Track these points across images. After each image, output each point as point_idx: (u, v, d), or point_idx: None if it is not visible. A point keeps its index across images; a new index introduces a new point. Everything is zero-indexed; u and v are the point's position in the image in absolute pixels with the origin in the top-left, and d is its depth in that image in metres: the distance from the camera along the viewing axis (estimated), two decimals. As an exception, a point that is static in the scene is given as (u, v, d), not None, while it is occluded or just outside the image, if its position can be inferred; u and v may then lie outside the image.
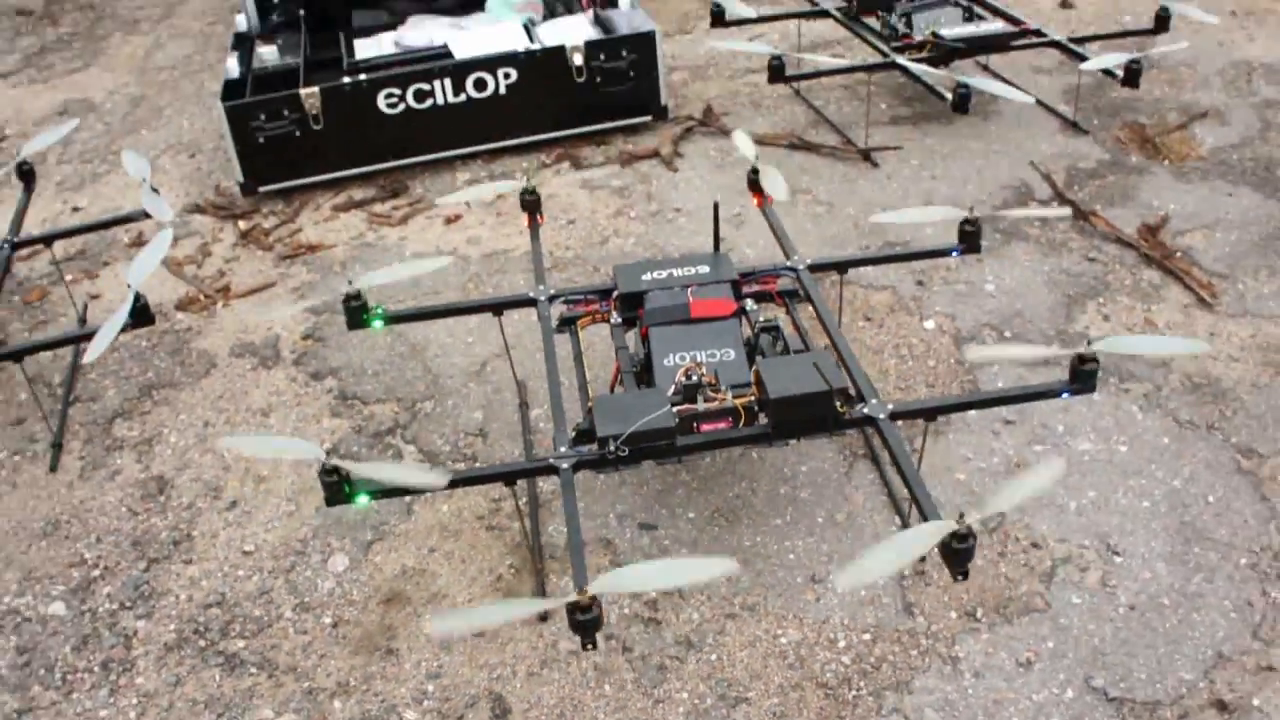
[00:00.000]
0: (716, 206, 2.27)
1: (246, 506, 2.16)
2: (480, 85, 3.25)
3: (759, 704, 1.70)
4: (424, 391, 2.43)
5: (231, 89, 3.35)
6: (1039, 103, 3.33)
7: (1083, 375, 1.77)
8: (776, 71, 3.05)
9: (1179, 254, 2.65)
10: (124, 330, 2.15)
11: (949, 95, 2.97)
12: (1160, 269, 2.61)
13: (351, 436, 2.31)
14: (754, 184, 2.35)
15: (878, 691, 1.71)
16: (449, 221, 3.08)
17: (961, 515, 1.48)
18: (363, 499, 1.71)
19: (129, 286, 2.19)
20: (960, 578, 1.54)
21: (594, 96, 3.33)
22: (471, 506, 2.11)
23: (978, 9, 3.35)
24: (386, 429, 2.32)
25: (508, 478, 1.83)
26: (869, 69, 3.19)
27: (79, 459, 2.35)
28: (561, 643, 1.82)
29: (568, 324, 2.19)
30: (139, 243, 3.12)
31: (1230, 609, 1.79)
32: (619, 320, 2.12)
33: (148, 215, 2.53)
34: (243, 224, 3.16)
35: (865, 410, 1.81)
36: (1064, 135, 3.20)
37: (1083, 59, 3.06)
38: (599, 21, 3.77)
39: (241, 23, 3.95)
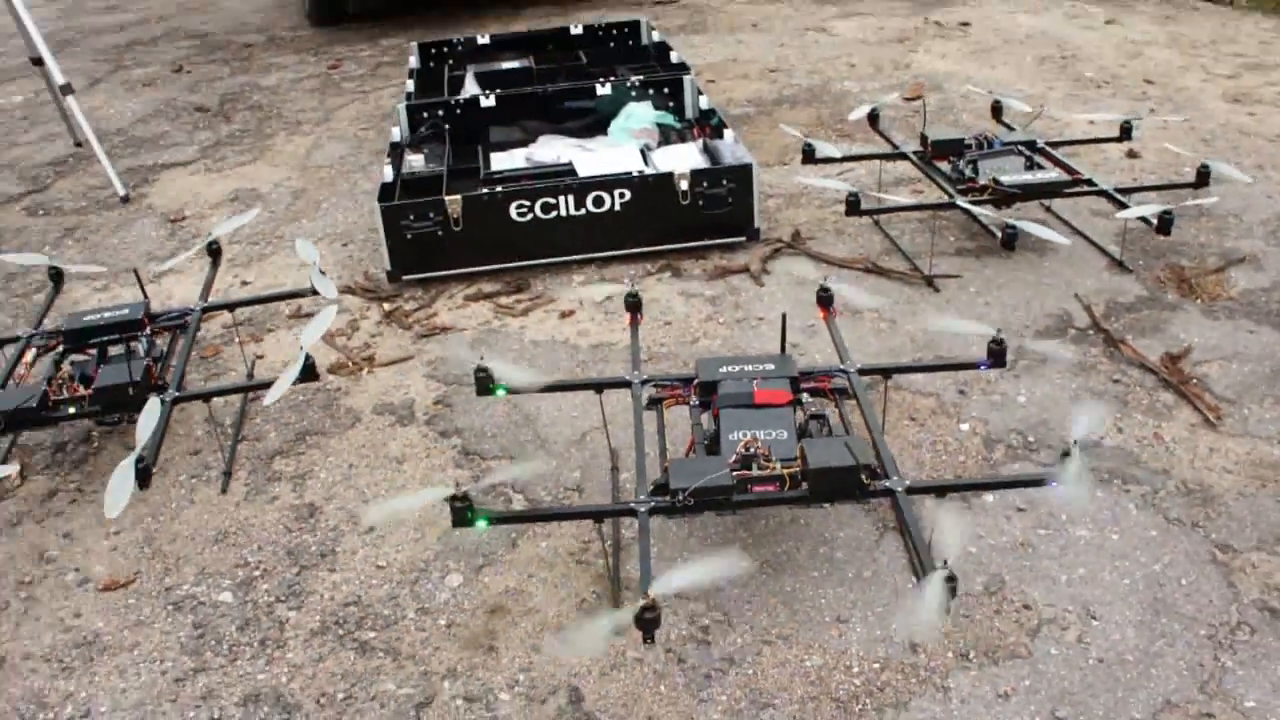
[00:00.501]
0: (784, 317, 2.73)
1: (381, 532, 2.64)
2: (599, 202, 3.76)
3: (783, 709, 2.10)
4: (533, 453, 2.89)
5: (385, 191, 3.91)
6: (1090, 242, 3.74)
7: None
8: (852, 206, 3.53)
9: (1194, 380, 3.03)
10: (294, 383, 2.67)
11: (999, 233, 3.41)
12: (1175, 392, 2.98)
13: (470, 484, 2.77)
14: (821, 299, 2.81)
15: (880, 708, 2.10)
16: (564, 316, 3.57)
17: (945, 562, 1.90)
18: (481, 523, 2.18)
19: (301, 348, 2.70)
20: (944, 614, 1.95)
21: (696, 217, 3.82)
22: (565, 545, 2.55)
23: (1038, 159, 3.79)
24: (497, 481, 2.79)
25: (596, 515, 2.30)
26: (932, 208, 3.65)
27: (244, 485, 2.85)
28: (629, 651, 2.24)
29: (655, 404, 2.65)
30: (297, 315, 3.67)
31: (1184, 668, 2.15)
32: (697, 403, 2.57)
33: (315, 292, 3.07)
34: (387, 305, 3.70)
35: (887, 484, 2.24)
36: (1110, 273, 3.60)
37: (1125, 207, 3.48)
38: (707, 150, 4.28)
39: (396, 134, 4.55)
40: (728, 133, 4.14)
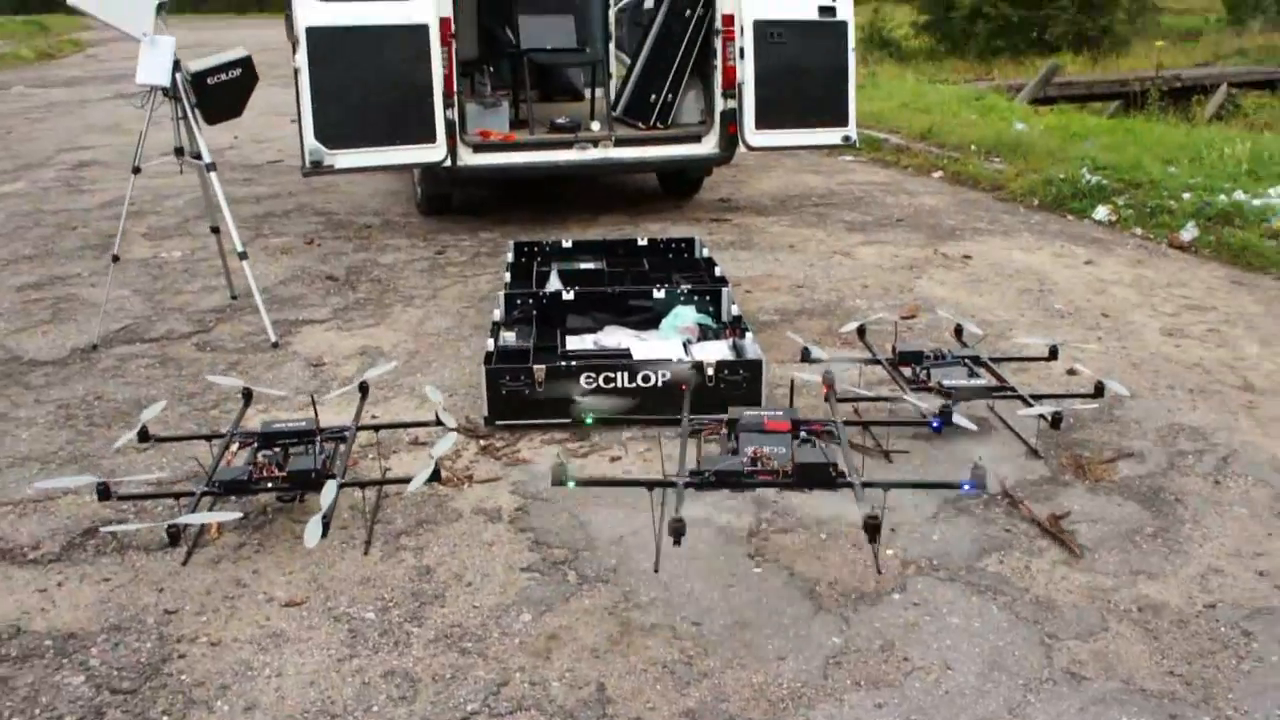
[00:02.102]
0: (792, 382, 4.06)
1: (476, 587, 3.82)
2: (645, 379, 5.01)
3: (734, 702, 3.24)
4: (584, 547, 4.08)
5: (488, 357, 5.20)
6: (1015, 434, 4.92)
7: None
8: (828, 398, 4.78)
9: (1066, 533, 4.17)
10: (426, 482, 3.91)
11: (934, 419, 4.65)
12: (1051, 539, 4.12)
13: (538, 563, 3.96)
14: (825, 380, 4.20)
15: (796, 707, 3.22)
16: (612, 460, 4.79)
17: (873, 507, 3.16)
18: (571, 484, 3.59)
19: (431, 458, 3.96)
20: (872, 537, 3.36)
21: (718, 396, 5.03)
22: (602, 603, 3.72)
23: (979, 369, 5.01)
24: (558, 561, 3.98)
25: (649, 484, 3.64)
26: (884, 400, 4.89)
27: (379, 551, 4.06)
28: (638, 664, 3.39)
29: (697, 433, 4.02)
30: (415, 443, 4.91)
31: (1001, 700, 3.26)
32: (728, 434, 3.88)
33: (439, 423, 4.34)
34: (483, 441, 4.94)
35: (849, 479, 3.56)
36: (1025, 458, 4.78)
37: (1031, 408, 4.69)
38: (734, 347, 5.55)
39: (496, 314, 5.86)
40: (748, 335, 5.41)
